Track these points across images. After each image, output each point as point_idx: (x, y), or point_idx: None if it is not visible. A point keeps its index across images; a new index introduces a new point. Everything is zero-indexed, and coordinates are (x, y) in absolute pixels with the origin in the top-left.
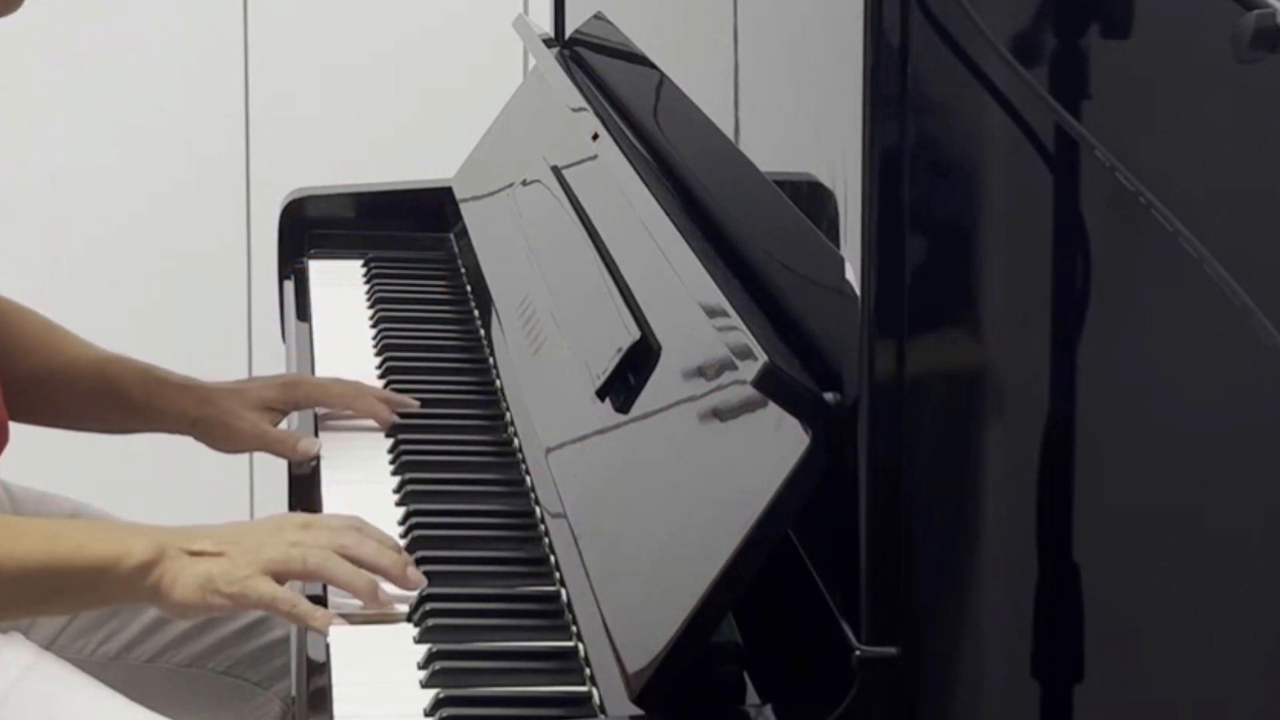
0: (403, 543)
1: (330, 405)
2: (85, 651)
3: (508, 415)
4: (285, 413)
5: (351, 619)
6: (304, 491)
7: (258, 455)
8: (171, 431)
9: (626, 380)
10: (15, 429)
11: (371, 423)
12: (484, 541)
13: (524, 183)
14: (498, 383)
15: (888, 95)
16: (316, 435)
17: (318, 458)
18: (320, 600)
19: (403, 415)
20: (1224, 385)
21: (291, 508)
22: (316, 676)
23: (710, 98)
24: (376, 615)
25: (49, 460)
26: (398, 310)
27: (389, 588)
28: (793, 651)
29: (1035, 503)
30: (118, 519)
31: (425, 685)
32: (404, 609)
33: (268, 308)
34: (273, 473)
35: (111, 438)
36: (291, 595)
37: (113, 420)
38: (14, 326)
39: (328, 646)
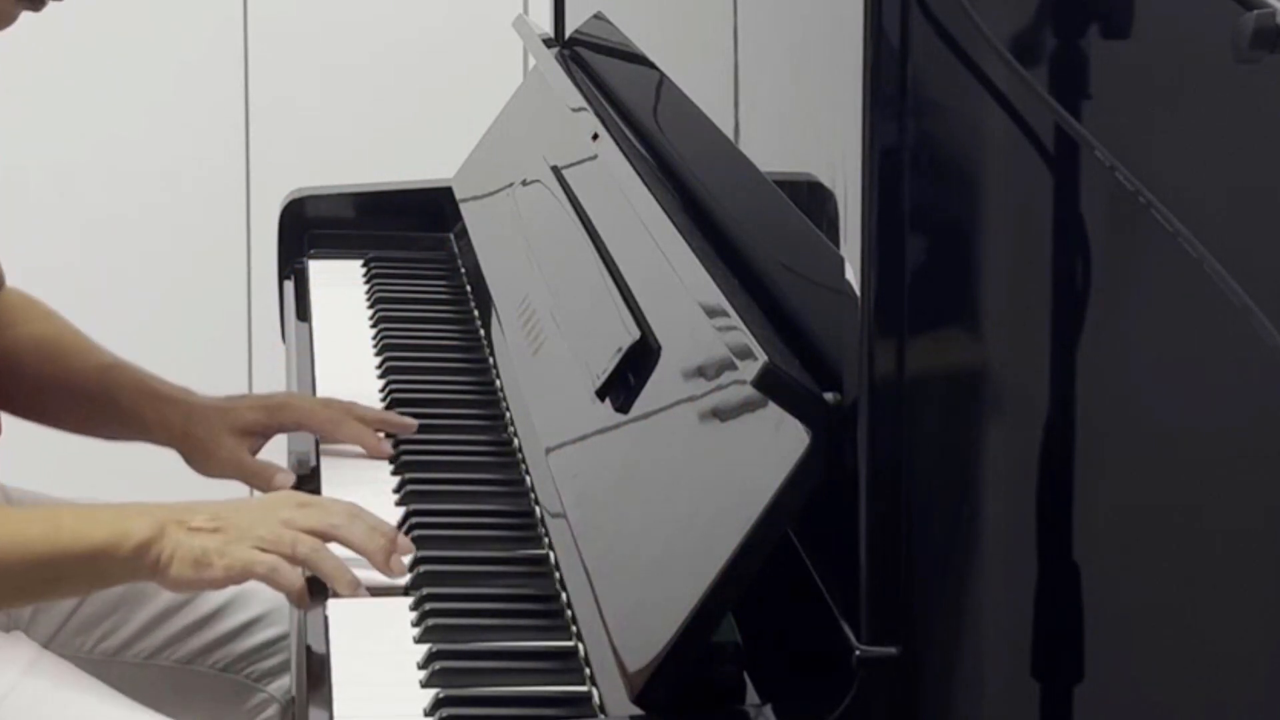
0: (412, 546)
1: (315, 430)
2: (85, 649)
3: (508, 415)
4: (268, 437)
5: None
6: (304, 491)
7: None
8: (158, 444)
9: (626, 380)
10: (13, 430)
11: None
12: (484, 541)
13: (524, 183)
14: (498, 383)
15: (888, 95)
16: (318, 450)
17: (318, 458)
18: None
19: (403, 415)
20: (1224, 385)
21: None
22: (316, 676)
23: (710, 98)
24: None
25: (47, 460)
26: (398, 310)
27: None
28: (793, 651)
29: (1035, 503)
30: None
31: (425, 685)
32: (402, 582)
33: (268, 308)
34: None
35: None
36: (270, 558)
37: (106, 429)
38: (22, 326)
39: (328, 645)
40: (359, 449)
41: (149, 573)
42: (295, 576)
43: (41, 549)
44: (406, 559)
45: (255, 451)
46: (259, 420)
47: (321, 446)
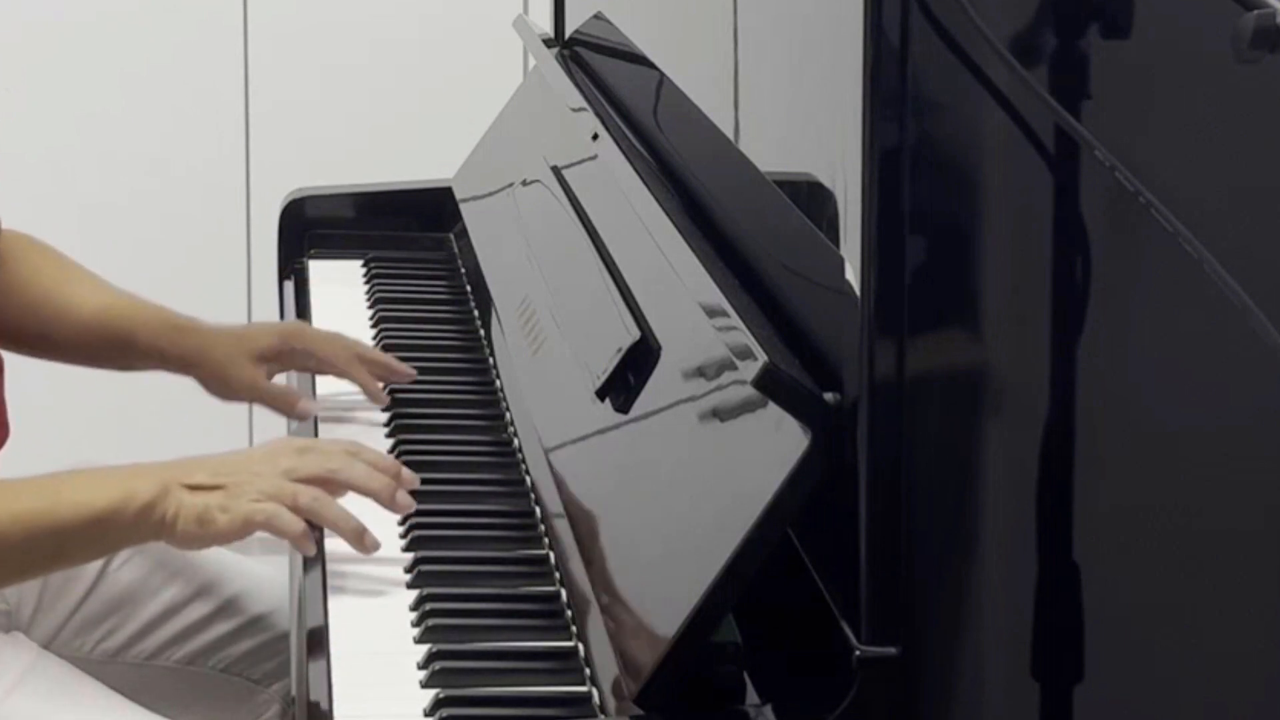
0: (402, 542)
1: (321, 360)
2: (85, 649)
3: (508, 415)
4: (284, 365)
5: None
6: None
7: (258, 432)
8: (173, 371)
9: (626, 380)
10: (16, 423)
11: (371, 421)
12: (484, 541)
13: (524, 183)
14: (498, 383)
15: (888, 95)
16: (315, 434)
17: (315, 433)
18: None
19: (403, 415)
20: (1224, 385)
21: None
22: (316, 676)
23: (710, 98)
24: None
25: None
26: (398, 310)
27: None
28: (793, 651)
29: (1035, 503)
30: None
31: (425, 685)
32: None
33: (268, 308)
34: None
35: (112, 446)
36: (269, 505)
37: (119, 359)
38: (27, 262)
39: (328, 645)
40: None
41: (154, 531)
42: (296, 522)
43: (43, 522)
44: (400, 558)
45: (271, 376)
46: (273, 345)
47: (319, 422)
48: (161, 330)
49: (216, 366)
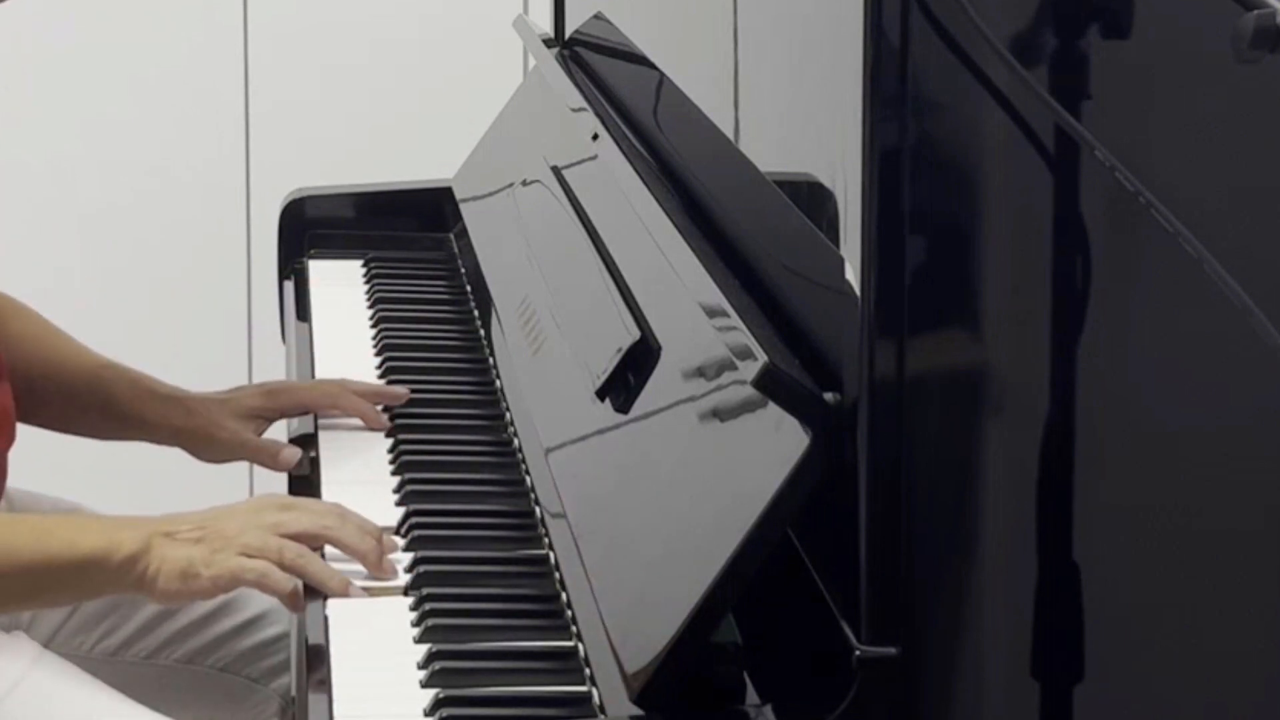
0: (402, 542)
1: (315, 408)
2: (84, 648)
3: (508, 415)
4: (271, 420)
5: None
6: (303, 492)
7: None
8: (159, 442)
9: (626, 380)
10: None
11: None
12: (484, 541)
13: (524, 183)
14: (498, 383)
15: (888, 95)
16: (315, 435)
17: (317, 458)
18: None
19: (403, 415)
20: (1224, 385)
21: None
22: (316, 676)
23: (710, 98)
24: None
25: (46, 460)
26: (398, 310)
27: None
28: (793, 651)
29: (1035, 503)
30: (101, 515)
31: (425, 685)
32: (400, 583)
33: (268, 308)
34: (272, 474)
35: (114, 446)
36: (259, 564)
37: (103, 428)
38: (11, 325)
39: (328, 645)
40: (359, 450)
41: (136, 586)
42: (285, 580)
43: (30, 557)
44: (400, 558)
45: (259, 434)
46: (259, 405)
47: (321, 450)
48: (143, 397)
49: (201, 431)
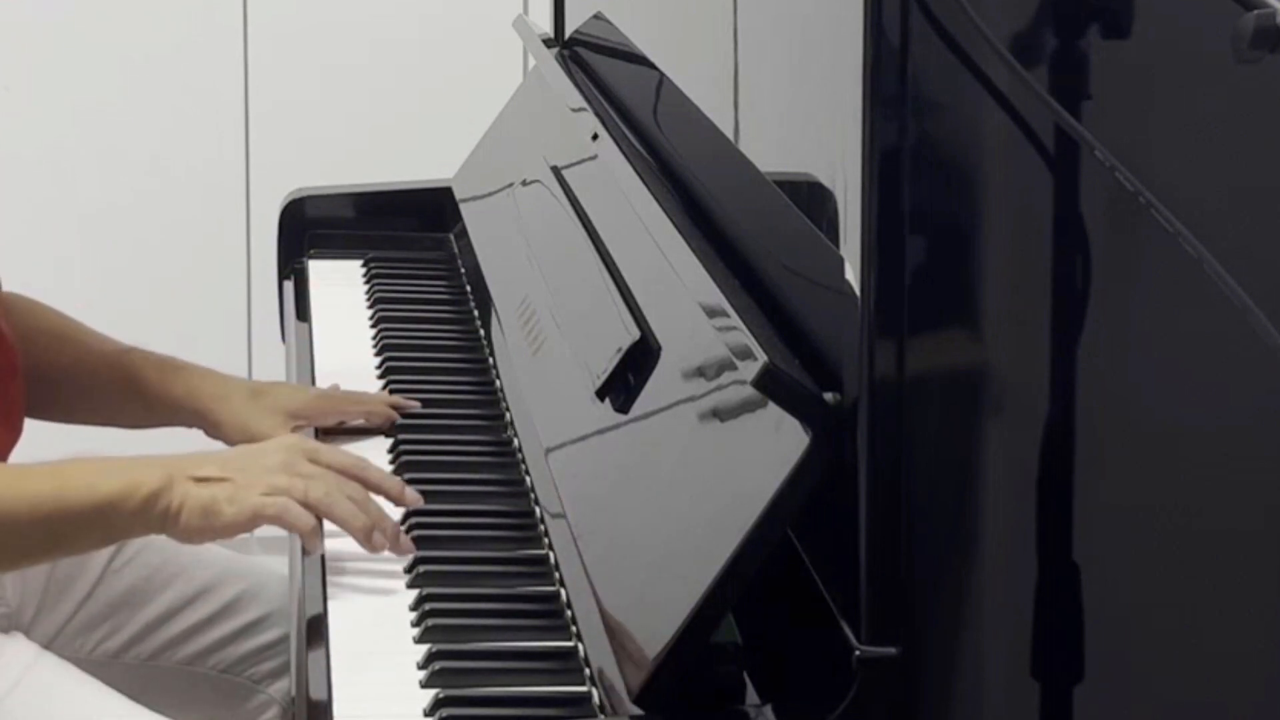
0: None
1: (353, 415)
2: (85, 650)
3: (508, 415)
4: (308, 425)
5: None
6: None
7: None
8: (186, 422)
9: (626, 380)
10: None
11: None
12: (484, 541)
13: (524, 183)
14: (498, 383)
15: (888, 95)
16: (315, 435)
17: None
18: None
19: (403, 415)
20: (1224, 385)
21: None
22: (316, 676)
23: (710, 98)
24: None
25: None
26: (398, 310)
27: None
28: (793, 651)
29: (1035, 503)
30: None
31: (425, 685)
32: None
33: (268, 308)
34: None
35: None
36: (279, 499)
37: (130, 412)
38: (30, 322)
39: (328, 646)
40: (359, 451)
41: (159, 523)
42: (306, 516)
43: (49, 504)
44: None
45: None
46: (301, 409)
47: (319, 430)
48: (171, 374)
49: (235, 417)
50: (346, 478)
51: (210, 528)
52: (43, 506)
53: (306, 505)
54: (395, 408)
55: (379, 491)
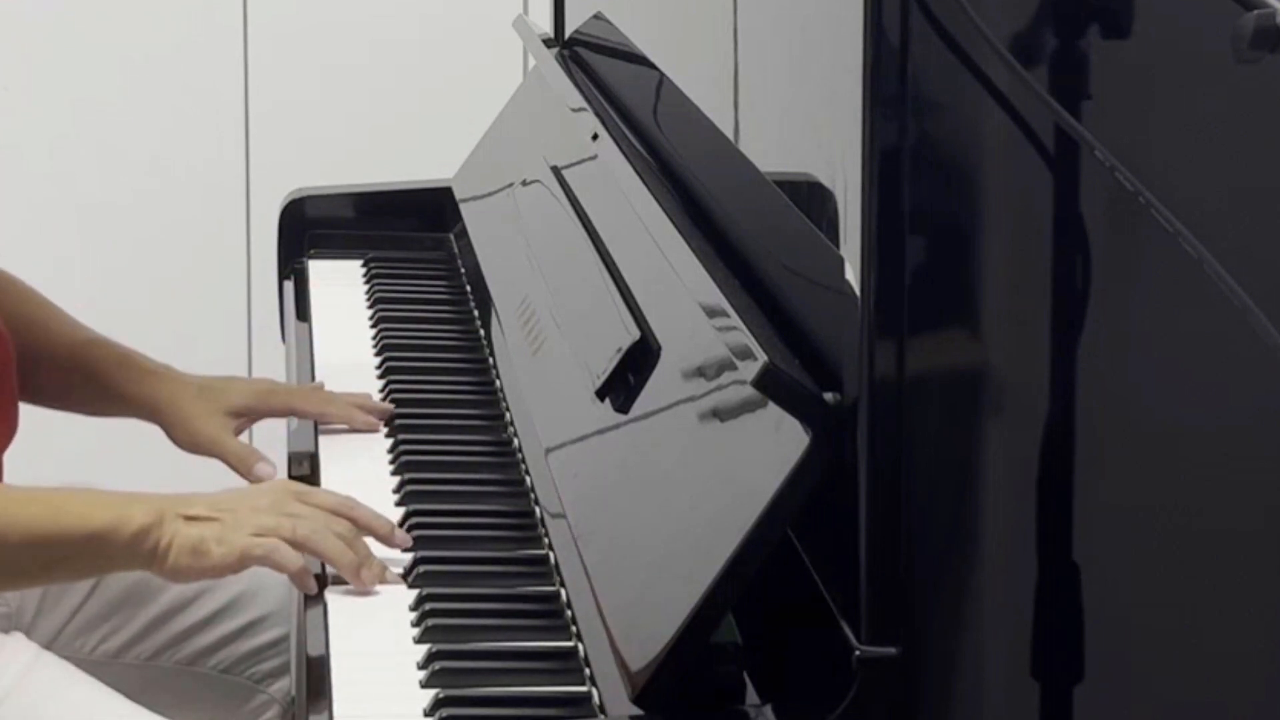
0: (408, 540)
1: (305, 413)
2: (85, 650)
3: (508, 415)
4: (253, 420)
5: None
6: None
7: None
8: (139, 417)
9: (626, 380)
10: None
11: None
12: (484, 541)
13: (524, 183)
14: (498, 383)
15: (888, 95)
16: (315, 435)
17: (316, 457)
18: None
19: (403, 415)
20: (1224, 385)
21: None
22: (316, 676)
23: (710, 98)
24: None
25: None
26: (398, 310)
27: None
28: (793, 651)
29: (1035, 503)
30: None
31: (425, 685)
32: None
33: (268, 308)
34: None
35: (114, 434)
36: (268, 540)
37: (87, 402)
38: (5, 295)
39: (328, 646)
40: (359, 450)
41: (146, 560)
42: (294, 557)
43: (42, 529)
44: (401, 557)
45: (238, 433)
46: (247, 404)
47: (320, 450)
48: (128, 371)
49: (182, 415)
50: (336, 516)
51: (198, 567)
52: (36, 532)
53: (295, 543)
54: (368, 410)
55: (368, 530)
